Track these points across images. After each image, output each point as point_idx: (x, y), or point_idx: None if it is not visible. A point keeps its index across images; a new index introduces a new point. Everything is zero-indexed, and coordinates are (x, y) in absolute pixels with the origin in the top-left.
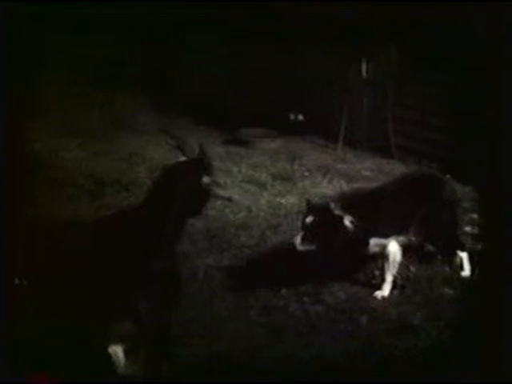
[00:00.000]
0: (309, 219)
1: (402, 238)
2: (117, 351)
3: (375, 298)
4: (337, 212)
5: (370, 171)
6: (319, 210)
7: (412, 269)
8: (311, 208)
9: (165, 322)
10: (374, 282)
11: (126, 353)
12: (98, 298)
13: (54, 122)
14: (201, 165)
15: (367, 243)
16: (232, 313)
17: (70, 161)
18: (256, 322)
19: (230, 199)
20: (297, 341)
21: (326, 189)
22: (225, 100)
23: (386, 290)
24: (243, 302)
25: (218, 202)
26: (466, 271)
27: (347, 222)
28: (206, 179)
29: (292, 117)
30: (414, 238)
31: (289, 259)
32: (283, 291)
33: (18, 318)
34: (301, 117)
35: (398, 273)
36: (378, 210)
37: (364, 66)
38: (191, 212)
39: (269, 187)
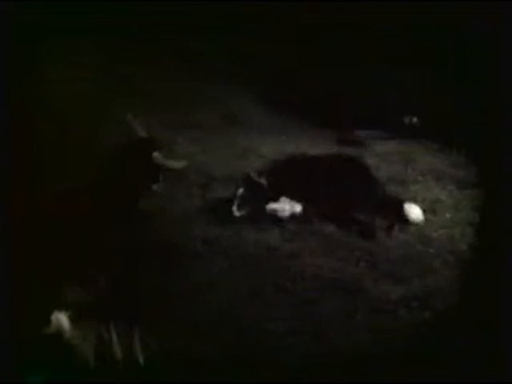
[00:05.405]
0: (239, 190)
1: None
2: (59, 318)
3: None
4: (257, 179)
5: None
6: (243, 180)
7: None
8: (240, 181)
9: (125, 297)
10: None
11: (71, 320)
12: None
13: (167, 117)
14: (150, 142)
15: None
16: (337, 314)
17: (183, 156)
18: (361, 325)
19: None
20: (402, 345)
21: (440, 194)
22: (339, 101)
23: None
24: (350, 305)
25: None
26: None
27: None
28: (155, 154)
29: (407, 120)
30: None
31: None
32: (391, 295)
33: None
34: (415, 120)
35: None
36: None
37: None
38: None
39: None
